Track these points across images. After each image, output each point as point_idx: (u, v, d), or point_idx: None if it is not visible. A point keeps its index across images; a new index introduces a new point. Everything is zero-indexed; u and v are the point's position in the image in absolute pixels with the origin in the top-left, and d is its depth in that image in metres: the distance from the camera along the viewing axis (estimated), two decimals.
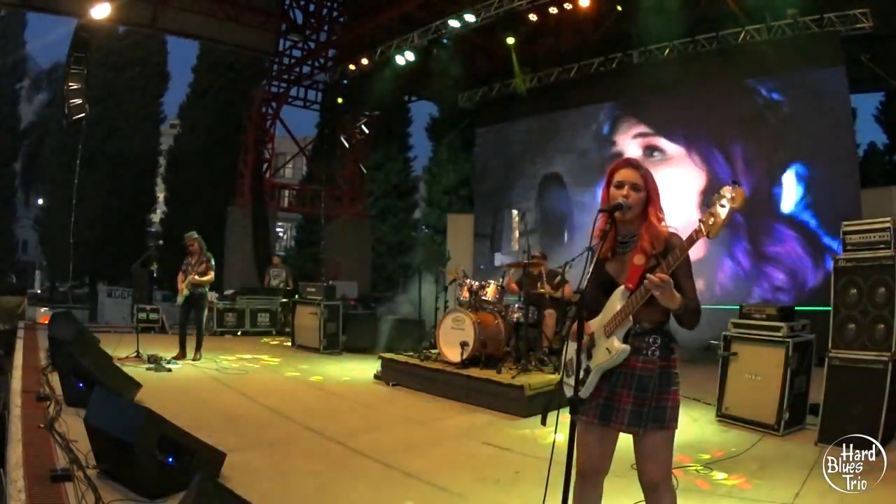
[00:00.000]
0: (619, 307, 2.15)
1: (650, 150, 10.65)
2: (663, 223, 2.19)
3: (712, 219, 1.94)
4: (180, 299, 7.80)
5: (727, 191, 1.93)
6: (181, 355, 7.66)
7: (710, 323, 3.86)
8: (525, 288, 6.37)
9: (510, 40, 9.97)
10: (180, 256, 7.98)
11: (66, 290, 14.51)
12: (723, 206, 1.93)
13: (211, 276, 7.84)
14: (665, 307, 2.09)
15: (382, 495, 3.37)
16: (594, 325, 2.25)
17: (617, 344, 2.15)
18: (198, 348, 7.80)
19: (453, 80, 13.26)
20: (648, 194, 2.19)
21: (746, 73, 9.46)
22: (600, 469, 2.30)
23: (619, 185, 2.21)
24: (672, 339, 2.22)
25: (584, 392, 2.22)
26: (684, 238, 2.06)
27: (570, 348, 2.31)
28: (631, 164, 2.23)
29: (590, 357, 2.24)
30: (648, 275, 2.03)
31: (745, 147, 9.46)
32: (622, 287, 2.16)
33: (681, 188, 9.98)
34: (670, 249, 2.08)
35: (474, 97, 13.76)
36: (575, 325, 2.16)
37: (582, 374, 2.23)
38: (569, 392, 2.29)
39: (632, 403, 2.16)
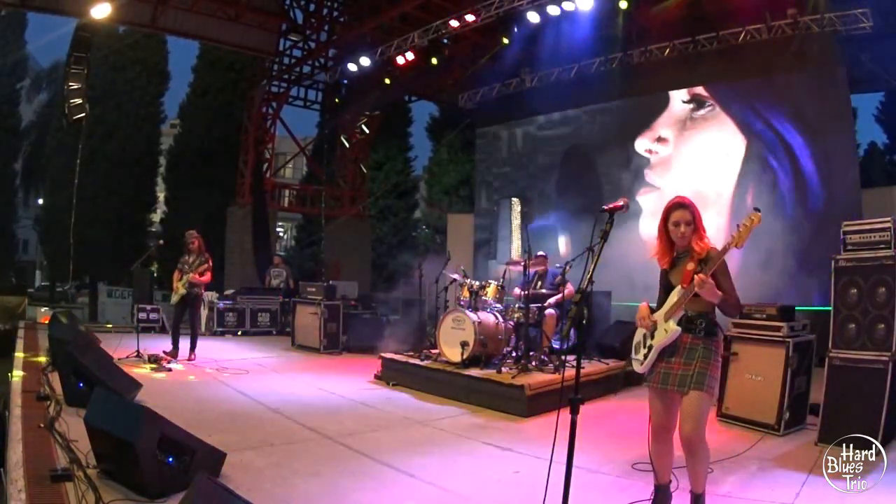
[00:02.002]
0: (675, 300, 2.93)
1: (649, 150, 10.65)
2: (705, 239, 2.94)
3: (738, 234, 2.71)
4: (175, 298, 7.74)
5: (750, 215, 2.71)
6: (174, 354, 7.64)
7: None
8: (526, 288, 6.37)
9: (505, 40, 9.98)
10: (180, 256, 7.95)
11: (65, 290, 14.53)
12: (746, 225, 2.70)
13: (209, 276, 7.82)
14: (709, 300, 2.83)
15: (383, 495, 3.37)
16: (656, 315, 3.00)
17: (672, 325, 2.92)
18: (192, 349, 7.77)
19: (453, 80, 13.28)
20: (696, 223, 2.93)
21: (746, 73, 9.45)
22: (667, 426, 2.96)
23: (676, 224, 2.94)
24: (716, 325, 2.96)
25: (646, 365, 3.02)
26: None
27: (638, 332, 3.11)
28: (682, 205, 2.95)
29: (652, 337, 3.00)
30: (695, 276, 2.78)
31: (745, 148, 9.46)
32: (679, 286, 2.94)
33: (679, 188, 10.02)
34: (710, 258, 2.84)
35: (474, 97, 13.76)
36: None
37: (645, 350, 3.03)
38: (636, 366, 3.10)
39: (682, 369, 2.89)
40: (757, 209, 2.72)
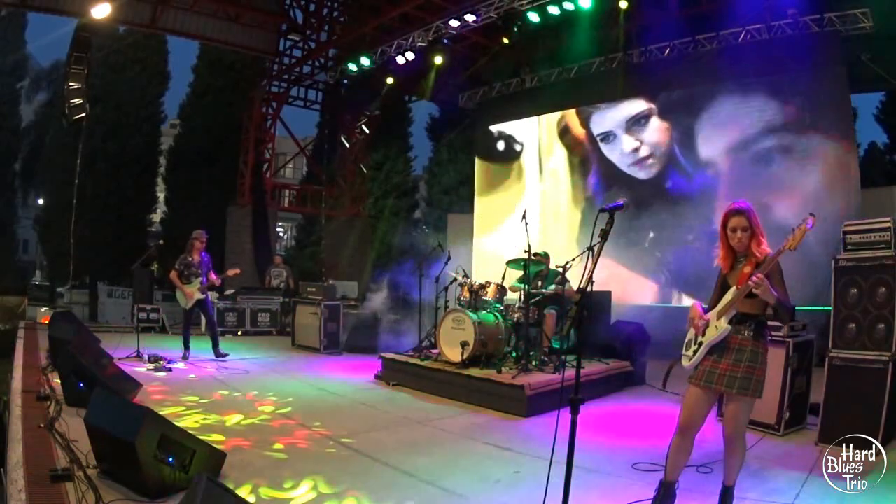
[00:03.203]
0: (729, 299, 2.99)
1: (649, 149, 10.67)
2: (763, 245, 2.99)
3: (793, 237, 2.77)
4: (190, 303, 7.68)
5: (805, 219, 2.78)
6: (186, 356, 7.67)
7: None
8: (527, 287, 6.36)
9: (505, 40, 9.98)
10: (180, 256, 7.91)
11: (63, 291, 14.52)
12: (801, 228, 2.77)
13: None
14: (763, 302, 2.91)
15: (383, 495, 3.37)
16: (709, 314, 3.08)
17: (724, 323, 2.99)
18: (217, 344, 7.86)
19: (453, 81, 13.28)
20: (753, 228, 2.99)
21: (746, 73, 9.44)
22: (696, 425, 3.05)
23: (734, 230, 3.02)
24: (766, 328, 3.04)
25: (694, 361, 3.08)
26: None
27: (689, 333, 3.17)
28: (739, 212, 3.01)
29: (703, 334, 3.08)
30: (752, 276, 2.83)
31: (745, 147, 9.45)
32: (733, 287, 3.00)
33: (678, 189, 10.06)
34: (766, 261, 2.91)
35: (474, 97, 13.76)
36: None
37: (696, 347, 3.09)
38: (684, 362, 3.17)
39: (729, 370, 2.95)
40: (812, 213, 2.79)
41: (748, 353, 2.95)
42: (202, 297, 7.70)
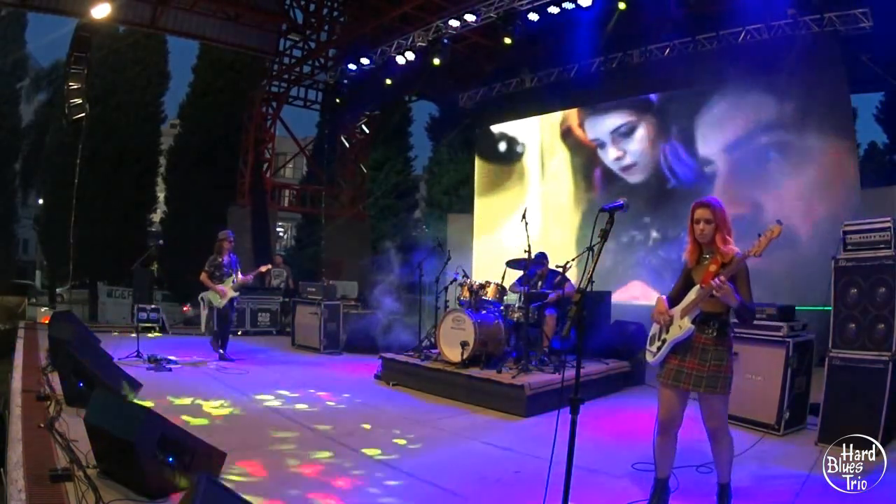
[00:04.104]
0: (693, 298, 3.01)
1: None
2: (730, 244, 2.97)
3: (759, 243, 2.77)
4: (224, 301, 7.72)
5: (771, 226, 2.77)
6: (223, 355, 7.74)
7: None
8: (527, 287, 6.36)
9: (507, 40, 9.98)
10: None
11: (62, 291, 14.53)
12: (767, 235, 2.76)
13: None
14: (725, 303, 2.89)
15: (382, 495, 3.36)
16: (674, 311, 3.09)
17: (687, 322, 3.01)
18: (224, 346, 7.86)
19: (453, 80, 13.28)
20: (717, 223, 2.98)
21: (746, 73, 9.43)
22: (674, 422, 3.08)
23: (697, 222, 3.03)
24: (730, 327, 3.04)
25: (657, 358, 3.11)
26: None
27: (654, 327, 3.19)
28: (703, 204, 3.04)
29: (667, 331, 3.09)
30: (714, 279, 2.83)
31: (745, 148, 9.44)
32: (698, 285, 3.00)
33: (678, 189, 10.06)
34: (732, 264, 2.89)
35: (474, 97, 13.76)
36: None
37: (659, 343, 3.12)
38: (648, 357, 3.21)
39: (695, 369, 2.98)
40: (779, 221, 2.80)
41: (712, 352, 2.97)
42: (235, 294, 7.76)
